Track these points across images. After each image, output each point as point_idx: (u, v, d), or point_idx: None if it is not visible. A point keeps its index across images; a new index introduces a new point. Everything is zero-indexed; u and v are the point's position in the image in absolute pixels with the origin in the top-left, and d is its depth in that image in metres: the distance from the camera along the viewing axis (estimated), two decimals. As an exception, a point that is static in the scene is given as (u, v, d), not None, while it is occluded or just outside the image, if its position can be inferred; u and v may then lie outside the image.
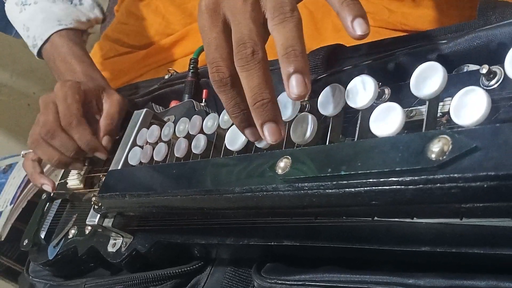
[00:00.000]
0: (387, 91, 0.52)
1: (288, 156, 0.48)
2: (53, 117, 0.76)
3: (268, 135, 0.49)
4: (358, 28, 0.46)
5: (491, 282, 0.43)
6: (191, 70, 0.81)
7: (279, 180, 0.47)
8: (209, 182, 0.54)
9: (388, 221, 0.48)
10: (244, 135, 0.53)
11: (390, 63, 0.59)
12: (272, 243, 0.55)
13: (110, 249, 0.70)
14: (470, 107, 0.41)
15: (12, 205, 1.20)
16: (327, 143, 0.50)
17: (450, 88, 0.45)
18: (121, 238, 0.69)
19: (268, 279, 0.55)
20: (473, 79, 0.47)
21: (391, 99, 0.50)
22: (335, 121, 0.51)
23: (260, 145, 0.54)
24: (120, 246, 0.69)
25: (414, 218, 0.45)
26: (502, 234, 0.42)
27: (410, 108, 0.50)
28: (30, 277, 0.85)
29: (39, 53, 0.90)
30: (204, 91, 0.77)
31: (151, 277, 0.66)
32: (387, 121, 0.45)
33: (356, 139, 0.49)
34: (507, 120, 0.43)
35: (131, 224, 0.69)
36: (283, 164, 0.48)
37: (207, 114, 0.66)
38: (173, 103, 0.78)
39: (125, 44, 1.03)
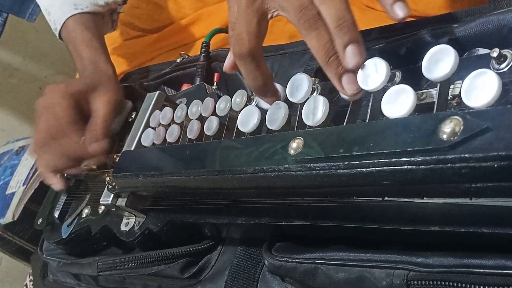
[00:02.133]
0: (398, 74, 0.52)
1: (300, 137, 0.48)
2: (44, 126, 0.78)
3: (347, 85, 0.50)
4: (399, 11, 0.48)
5: (498, 261, 0.43)
6: (203, 54, 0.81)
7: (291, 160, 0.48)
8: (222, 163, 0.54)
9: (398, 201, 0.48)
10: (264, 101, 0.58)
11: (401, 47, 0.60)
12: (283, 223, 0.56)
13: (123, 228, 0.71)
14: (481, 89, 0.41)
15: (24, 186, 1.22)
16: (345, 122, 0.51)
17: (461, 71, 0.46)
18: (134, 217, 0.70)
19: (279, 257, 0.56)
20: (483, 62, 0.48)
21: (402, 82, 0.51)
22: (354, 105, 0.52)
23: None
24: (133, 225, 0.70)
25: (424, 198, 0.46)
26: (511, 214, 0.43)
27: (421, 91, 0.51)
28: (44, 255, 0.86)
29: (60, 36, 0.91)
30: (216, 74, 0.78)
31: (163, 255, 0.67)
32: (398, 103, 0.45)
33: (367, 121, 0.49)
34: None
35: (144, 204, 0.70)
36: (295, 145, 0.48)
37: (219, 96, 0.67)
38: (185, 86, 0.79)
39: (136, 28, 1.04)
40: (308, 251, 0.55)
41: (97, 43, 0.85)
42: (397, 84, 0.51)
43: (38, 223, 0.84)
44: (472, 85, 0.42)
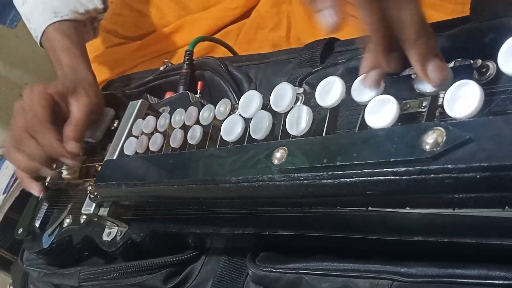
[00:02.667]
0: (382, 84, 0.53)
1: (284, 147, 0.48)
2: (20, 125, 0.77)
3: (433, 73, 0.44)
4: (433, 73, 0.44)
5: (482, 271, 0.44)
6: (186, 62, 0.81)
7: (275, 170, 0.48)
8: (205, 172, 0.54)
9: (381, 211, 0.48)
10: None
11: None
12: (267, 232, 0.56)
13: (105, 238, 0.70)
14: (463, 100, 0.42)
15: (4, 195, 1.21)
16: (323, 135, 0.51)
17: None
18: (116, 227, 0.70)
19: (263, 267, 0.56)
20: (466, 72, 0.48)
21: (385, 92, 0.51)
22: (332, 112, 0.52)
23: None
24: (115, 235, 0.69)
25: (408, 208, 0.46)
26: (493, 224, 0.43)
27: (405, 101, 0.51)
28: (24, 265, 0.85)
29: (41, 44, 0.90)
30: (199, 82, 0.78)
31: (145, 265, 0.67)
32: (382, 113, 0.46)
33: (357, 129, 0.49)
34: (500, 113, 0.44)
35: (126, 214, 0.69)
36: (279, 155, 0.48)
37: (202, 105, 0.67)
38: (168, 94, 0.79)
39: (119, 35, 1.04)
40: (292, 261, 0.55)
41: (77, 51, 0.85)
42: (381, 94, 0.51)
43: (19, 232, 0.84)
44: (455, 96, 0.42)
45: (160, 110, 0.75)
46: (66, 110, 0.79)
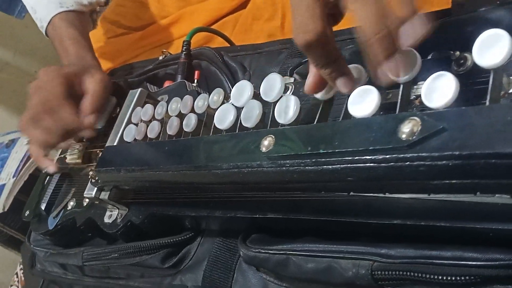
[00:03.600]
0: (366, 73, 0.55)
1: (272, 135, 0.51)
2: (37, 102, 0.79)
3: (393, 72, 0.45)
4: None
5: (456, 252, 0.46)
6: (184, 52, 0.84)
7: (263, 157, 0.50)
8: (198, 159, 0.57)
9: (363, 195, 0.51)
10: (336, 86, 0.50)
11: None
12: (257, 215, 0.59)
13: (106, 220, 0.73)
14: (440, 91, 0.44)
15: (14, 178, 1.24)
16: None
17: (424, 72, 0.48)
18: (117, 210, 0.73)
19: (253, 249, 0.59)
20: (445, 64, 0.50)
21: (370, 82, 0.53)
22: (325, 104, 0.54)
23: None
24: (116, 218, 0.72)
25: (386, 193, 0.49)
26: (467, 208, 0.45)
27: (387, 91, 0.53)
28: (32, 245, 0.88)
29: (46, 34, 0.93)
30: (196, 72, 0.80)
31: (144, 246, 0.70)
32: (364, 103, 0.48)
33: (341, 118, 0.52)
34: (475, 103, 0.47)
35: (126, 197, 0.72)
36: (267, 142, 0.51)
37: (198, 94, 0.69)
38: (166, 83, 0.81)
39: (122, 26, 1.06)
40: (280, 243, 0.58)
41: (83, 40, 0.88)
42: (365, 83, 0.53)
43: (26, 215, 0.87)
44: (432, 87, 0.44)
45: (159, 98, 0.78)
46: (80, 91, 0.82)
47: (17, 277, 1.12)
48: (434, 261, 0.47)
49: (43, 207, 0.86)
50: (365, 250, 0.51)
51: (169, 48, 0.96)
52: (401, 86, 0.48)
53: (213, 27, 0.96)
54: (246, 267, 0.64)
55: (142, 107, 0.73)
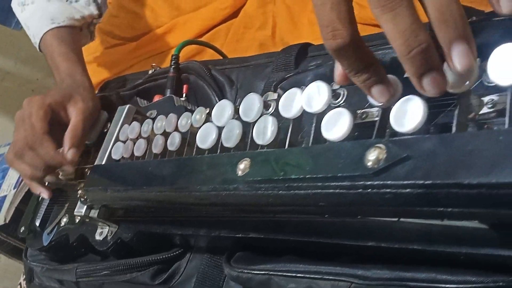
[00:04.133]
0: (343, 92, 0.55)
1: (247, 158, 0.51)
2: (20, 137, 0.81)
3: (429, 87, 0.41)
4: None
5: (430, 274, 0.46)
6: (173, 66, 0.84)
7: (239, 181, 0.51)
8: (179, 180, 0.58)
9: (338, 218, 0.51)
10: (371, 96, 0.45)
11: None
12: (240, 235, 0.60)
13: (97, 237, 0.74)
14: (408, 115, 0.44)
15: (15, 189, 1.26)
16: (286, 145, 0.54)
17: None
18: (107, 227, 0.74)
19: (236, 268, 0.59)
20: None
21: (347, 100, 0.53)
22: (295, 123, 0.55)
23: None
24: (106, 235, 0.73)
25: (359, 217, 0.49)
26: (438, 231, 0.46)
27: (362, 110, 0.53)
28: (28, 261, 0.90)
29: (40, 49, 0.94)
30: (185, 86, 0.81)
31: (134, 263, 0.71)
32: (337, 126, 0.48)
33: (310, 142, 0.52)
34: (445, 125, 0.47)
35: (116, 215, 0.73)
36: (242, 166, 0.51)
37: (186, 109, 0.70)
38: (156, 98, 0.82)
39: (116, 36, 1.06)
40: (264, 262, 0.58)
41: (74, 56, 0.89)
42: (343, 102, 0.54)
43: (21, 231, 0.88)
44: (401, 111, 0.44)
45: (148, 113, 0.78)
46: (65, 118, 0.83)
47: (21, 287, 1.14)
48: (408, 283, 0.47)
49: (37, 223, 0.87)
50: (343, 271, 0.52)
51: (164, 57, 0.97)
52: (380, 110, 0.48)
53: (206, 36, 0.96)
54: (233, 284, 0.64)
55: (130, 124, 0.73)
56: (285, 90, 0.67)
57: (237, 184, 0.51)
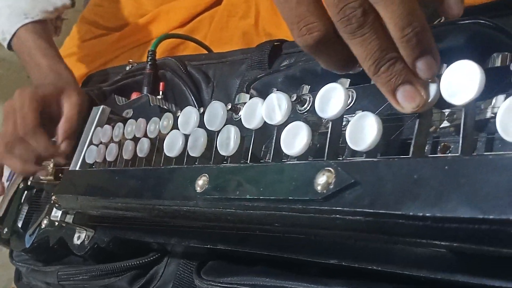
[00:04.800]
0: (309, 99, 0.53)
1: (206, 174, 0.50)
2: (11, 128, 0.79)
3: (404, 102, 0.39)
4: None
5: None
6: (149, 62, 0.81)
7: (198, 197, 0.50)
8: (144, 193, 0.56)
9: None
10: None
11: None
12: (208, 246, 0.58)
13: (75, 241, 0.73)
14: (363, 132, 0.42)
15: (8, 182, 1.25)
16: (249, 158, 0.52)
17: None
18: (85, 231, 0.73)
19: (205, 281, 0.58)
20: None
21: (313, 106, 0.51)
22: (258, 134, 0.53)
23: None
24: (84, 240, 0.72)
25: (315, 237, 0.48)
26: (396, 253, 0.44)
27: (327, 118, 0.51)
28: (14, 261, 0.90)
29: (9, 46, 0.92)
30: (161, 83, 0.79)
31: (112, 268, 0.70)
32: (295, 140, 0.46)
33: (271, 155, 0.50)
34: (402, 140, 0.45)
35: (90, 221, 0.72)
36: (201, 182, 0.50)
37: (161, 109, 0.68)
38: (134, 95, 0.80)
39: (100, 26, 1.04)
40: (232, 274, 0.57)
41: (53, 51, 0.87)
42: (309, 109, 0.52)
43: (4, 232, 0.88)
44: (357, 127, 0.43)
45: (124, 113, 0.76)
46: (56, 111, 0.82)
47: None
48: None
49: (20, 224, 0.87)
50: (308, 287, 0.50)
51: (147, 47, 0.94)
52: (330, 124, 0.46)
53: (190, 25, 0.94)
54: (207, 291, 0.63)
55: (105, 125, 0.72)
56: (257, 91, 0.66)
57: (196, 201, 0.50)
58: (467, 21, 0.48)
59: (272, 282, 0.53)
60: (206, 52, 0.87)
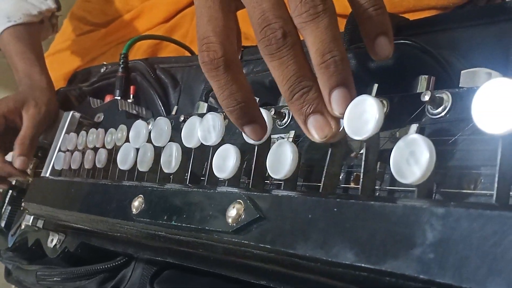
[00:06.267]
0: (287, 112, 0.52)
1: (141, 196, 0.51)
2: None
3: (314, 131, 0.39)
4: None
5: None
6: (121, 65, 0.81)
7: (133, 218, 0.50)
8: (92, 208, 0.57)
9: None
10: (244, 133, 0.43)
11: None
12: (159, 258, 0.59)
13: (49, 244, 0.75)
14: (280, 160, 0.42)
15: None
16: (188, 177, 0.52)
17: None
18: (57, 235, 0.74)
19: (153, 293, 0.59)
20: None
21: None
22: (197, 153, 0.53)
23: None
24: (56, 243, 0.74)
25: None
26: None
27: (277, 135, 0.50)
28: (1, 258, 0.92)
29: None
30: (132, 87, 0.79)
31: (81, 272, 0.71)
32: (225, 163, 0.47)
33: (207, 176, 0.50)
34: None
35: (60, 226, 0.73)
36: (136, 204, 0.51)
37: (128, 114, 0.69)
38: (107, 98, 0.81)
39: (88, 22, 1.05)
40: (182, 285, 0.58)
41: (31, 55, 0.88)
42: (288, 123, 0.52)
43: (-13, 231, 0.90)
44: (275, 156, 0.43)
45: (96, 117, 0.77)
46: (20, 123, 0.84)
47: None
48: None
49: (2, 224, 0.89)
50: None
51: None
52: (256, 148, 0.46)
53: (172, 20, 0.93)
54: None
55: (73, 131, 0.73)
56: (215, 99, 0.65)
57: (132, 221, 0.51)
58: (396, 41, 0.46)
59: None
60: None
